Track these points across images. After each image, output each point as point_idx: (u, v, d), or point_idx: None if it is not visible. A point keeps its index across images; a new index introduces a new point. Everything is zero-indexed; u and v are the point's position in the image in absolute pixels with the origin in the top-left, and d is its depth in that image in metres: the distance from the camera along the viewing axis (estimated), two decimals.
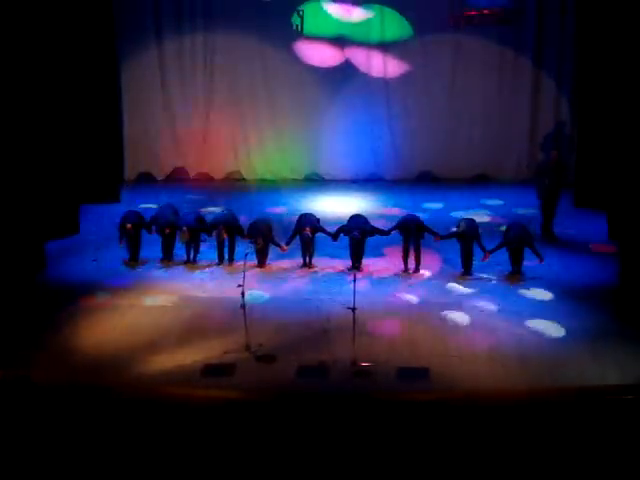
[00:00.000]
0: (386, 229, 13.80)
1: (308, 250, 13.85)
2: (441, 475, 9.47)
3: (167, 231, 14.01)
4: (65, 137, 15.20)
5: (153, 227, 14.19)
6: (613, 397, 9.67)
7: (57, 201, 14.88)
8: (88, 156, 16.37)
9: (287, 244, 13.87)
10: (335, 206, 16.76)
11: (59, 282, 13.36)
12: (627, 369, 10.39)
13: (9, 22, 12.33)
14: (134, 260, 14.21)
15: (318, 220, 14.03)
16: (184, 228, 13.78)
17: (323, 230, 13.91)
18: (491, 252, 13.31)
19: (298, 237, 13.84)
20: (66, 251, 14.61)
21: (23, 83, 12.64)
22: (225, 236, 13.84)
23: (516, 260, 13.43)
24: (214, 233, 13.89)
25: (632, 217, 12.02)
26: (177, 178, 19.40)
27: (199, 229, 14.00)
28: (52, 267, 13.84)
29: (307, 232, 13.62)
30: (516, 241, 13.21)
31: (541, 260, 13.22)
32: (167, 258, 14.17)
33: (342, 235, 13.76)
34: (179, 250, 14.22)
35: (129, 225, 13.83)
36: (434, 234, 13.68)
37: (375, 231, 13.74)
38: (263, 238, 13.72)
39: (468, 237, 13.33)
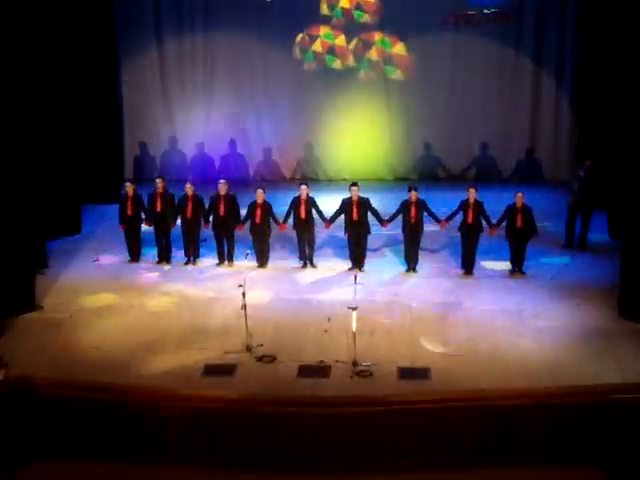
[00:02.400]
0: (386, 218, 13.72)
1: (308, 249, 13.84)
2: (442, 473, 9.50)
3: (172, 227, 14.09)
4: (66, 139, 15.24)
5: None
6: (614, 396, 9.70)
7: (59, 201, 14.93)
8: (89, 157, 16.43)
9: (284, 222, 13.87)
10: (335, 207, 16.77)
11: (60, 281, 13.39)
12: (627, 368, 10.41)
13: (14, 28, 12.35)
14: (135, 259, 14.25)
15: (314, 201, 13.90)
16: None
17: (317, 207, 13.78)
18: (497, 225, 13.49)
19: (297, 239, 13.89)
20: (67, 250, 14.63)
21: (26, 88, 12.68)
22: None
23: (517, 258, 13.46)
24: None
25: (633, 215, 12.01)
26: (177, 179, 19.36)
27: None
28: (54, 266, 13.86)
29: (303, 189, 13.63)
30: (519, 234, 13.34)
31: (536, 234, 13.44)
32: (166, 258, 14.20)
33: (345, 233, 13.76)
34: (180, 250, 14.28)
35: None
36: (438, 220, 13.66)
37: (375, 214, 13.67)
38: (262, 220, 13.65)
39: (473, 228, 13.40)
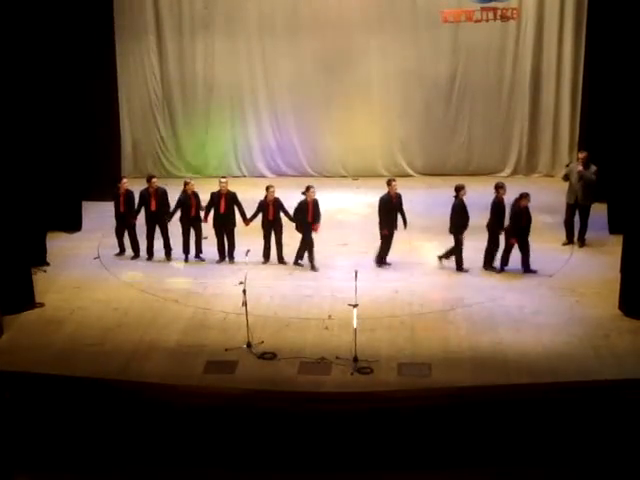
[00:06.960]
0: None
1: (308, 253, 13.79)
2: (441, 471, 9.52)
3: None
4: (67, 135, 15.26)
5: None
6: (614, 392, 9.73)
7: (60, 198, 14.96)
8: (90, 154, 16.45)
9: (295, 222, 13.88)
10: (337, 203, 16.81)
11: (61, 278, 13.41)
12: (627, 364, 10.43)
13: (13, 27, 12.37)
14: (135, 256, 14.26)
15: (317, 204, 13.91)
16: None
17: (317, 211, 13.76)
18: (512, 233, 13.40)
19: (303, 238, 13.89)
20: (68, 247, 14.66)
21: (26, 86, 12.72)
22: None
23: (523, 256, 13.46)
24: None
25: (633, 211, 12.01)
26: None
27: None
28: (54, 263, 13.88)
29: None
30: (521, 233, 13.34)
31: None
32: (166, 255, 14.22)
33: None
34: (178, 248, 14.30)
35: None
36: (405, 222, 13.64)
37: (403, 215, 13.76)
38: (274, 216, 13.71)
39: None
